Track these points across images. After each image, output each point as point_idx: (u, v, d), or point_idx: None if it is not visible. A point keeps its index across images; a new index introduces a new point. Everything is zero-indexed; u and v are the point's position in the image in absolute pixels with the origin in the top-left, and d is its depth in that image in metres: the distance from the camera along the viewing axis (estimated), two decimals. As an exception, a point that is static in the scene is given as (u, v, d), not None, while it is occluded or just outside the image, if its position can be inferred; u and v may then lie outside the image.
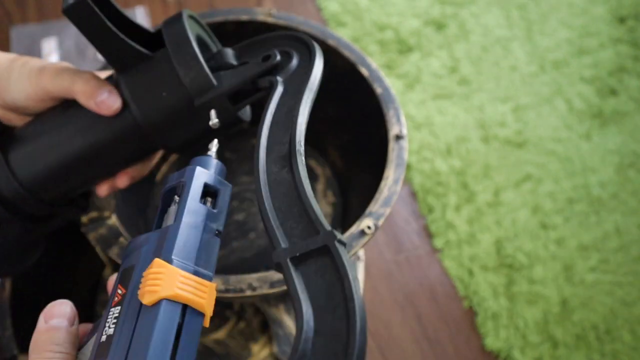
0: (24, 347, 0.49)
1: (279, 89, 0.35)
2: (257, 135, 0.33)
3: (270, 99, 0.34)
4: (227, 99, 0.36)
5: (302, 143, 0.32)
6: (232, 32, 0.57)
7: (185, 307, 0.25)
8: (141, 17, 0.94)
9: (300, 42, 0.38)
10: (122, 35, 0.34)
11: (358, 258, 0.70)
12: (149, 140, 0.38)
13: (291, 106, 0.34)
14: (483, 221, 0.80)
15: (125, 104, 0.36)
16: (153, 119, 0.36)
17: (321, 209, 0.65)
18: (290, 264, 0.25)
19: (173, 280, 0.25)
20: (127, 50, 0.34)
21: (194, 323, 0.25)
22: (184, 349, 0.24)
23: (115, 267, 0.65)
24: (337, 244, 0.25)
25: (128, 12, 0.98)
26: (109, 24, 0.33)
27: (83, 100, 0.36)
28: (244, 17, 0.56)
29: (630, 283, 0.76)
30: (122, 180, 0.42)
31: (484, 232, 0.79)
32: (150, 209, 0.64)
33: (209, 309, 0.26)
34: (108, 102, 0.35)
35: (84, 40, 0.98)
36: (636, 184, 0.85)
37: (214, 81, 0.35)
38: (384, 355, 0.71)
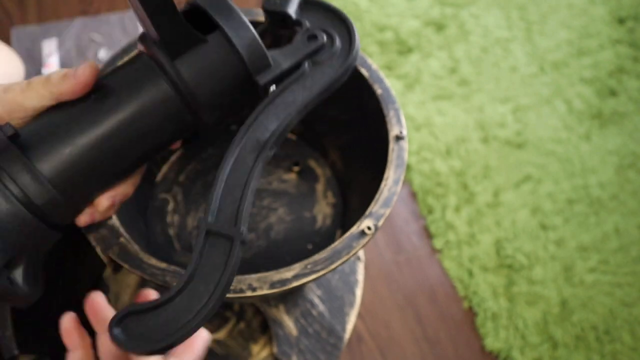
0: (24, 347, 0.49)
1: (304, 70, 0.36)
2: (259, 104, 0.34)
3: (290, 78, 0.35)
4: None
5: (276, 144, 0.34)
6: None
7: None
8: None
9: (345, 28, 0.38)
10: (183, 19, 0.32)
11: (358, 258, 0.70)
12: (192, 119, 0.36)
13: (298, 99, 0.35)
14: (483, 222, 0.80)
15: (175, 86, 0.34)
16: (207, 98, 0.35)
17: (321, 209, 0.65)
18: (204, 234, 0.31)
19: None
20: (187, 34, 0.33)
21: None
22: None
23: (116, 267, 0.65)
24: (239, 243, 0.31)
25: (128, 13, 0.98)
26: (174, 4, 0.31)
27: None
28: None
29: (629, 284, 0.76)
30: (103, 203, 0.37)
31: (483, 233, 0.79)
32: (150, 209, 0.64)
33: None
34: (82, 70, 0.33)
35: (84, 41, 0.98)
36: (636, 185, 0.85)
37: (272, 61, 0.35)
38: (384, 355, 0.71)
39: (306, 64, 0.36)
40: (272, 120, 0.35)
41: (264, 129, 0.34)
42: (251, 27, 0.34)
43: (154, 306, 0.30)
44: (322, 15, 0.39)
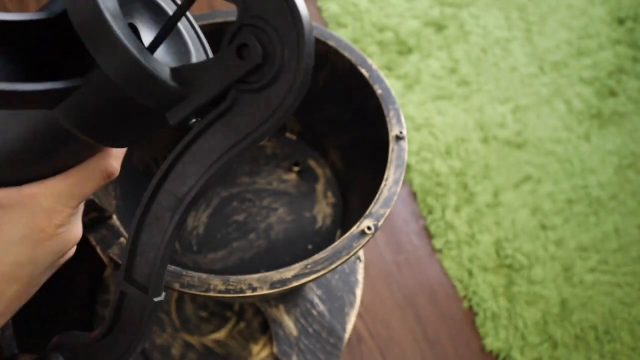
0: (24, 346, 0.49)
1: (229, 104, 0.26)
2: (176, 148, 0.28)
3: (215, 112, 0.26)
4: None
5: (199, 199, 0.29)
6: (232, 32, 0.57)
7: None
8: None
9: (294, 32, 0.24)
10: (38, 87, 0.24)
11: (358, 258, 0.70)
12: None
13: (222, 144, 0.26)
14: (482, 222, 0.80)
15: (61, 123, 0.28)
16: (108, 139, 0.29)
17: (321, 209, 0.65)
18: (119, 292, 0.31)
19: None
20: (51, 93, 0.25)
21: None
22: None
23: (116, 267, 0.65)
24: (152, 310, 0.30)
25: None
26: (19, 87, 0.23)
27: None
28: (244, 18, 0.56)
29: (629, 283, 0.76)
30: None
31: (483, 233, 0.79)
32: (150, 209, 0.64)
33: None
34: None
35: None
36: (635, 185, 0.85)
37: (187, 90, 0.26)
38: (384, 355, 0.71)
39: (234, 91, 0.25)
40: (191, 170, 0.28)
41: (181, 181, 0.28)
42: (139, 59, 0.24)
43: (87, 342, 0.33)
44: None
